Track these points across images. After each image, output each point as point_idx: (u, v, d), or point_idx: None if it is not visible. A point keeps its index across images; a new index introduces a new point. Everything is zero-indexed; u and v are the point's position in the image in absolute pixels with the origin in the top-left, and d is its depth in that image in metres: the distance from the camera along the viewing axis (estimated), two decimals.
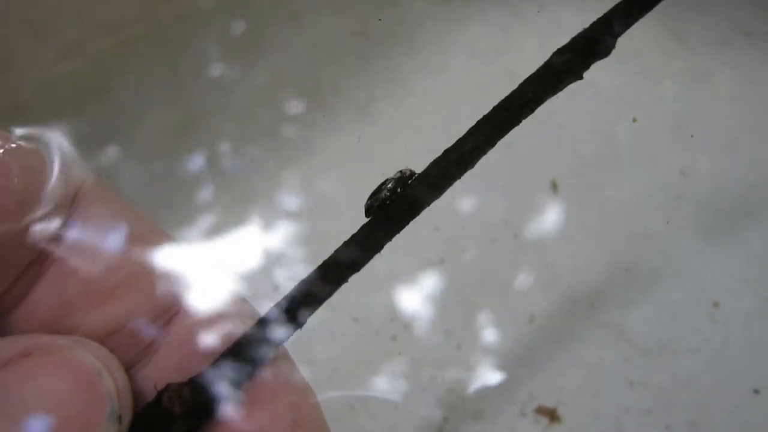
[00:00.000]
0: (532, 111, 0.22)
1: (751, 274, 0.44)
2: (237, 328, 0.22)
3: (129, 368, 0.21)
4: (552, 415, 0.41)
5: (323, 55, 0.51)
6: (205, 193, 0.45)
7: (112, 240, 0.21)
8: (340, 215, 0.44)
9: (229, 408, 0.21)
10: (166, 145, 0.46)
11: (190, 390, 0.20)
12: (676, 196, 0.47)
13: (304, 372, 0.23)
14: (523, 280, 0.45)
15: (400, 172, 0.23)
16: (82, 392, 0.18)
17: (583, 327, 0.43)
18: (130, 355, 0.21)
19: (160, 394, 0.20)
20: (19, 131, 0.22)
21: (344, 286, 0.22)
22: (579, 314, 0.43)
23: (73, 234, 0.21)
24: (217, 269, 0.24)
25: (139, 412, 0.20)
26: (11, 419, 0.17)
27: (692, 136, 0.48)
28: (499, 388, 0.41)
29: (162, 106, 0.47)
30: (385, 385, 0.41)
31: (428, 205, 0.22)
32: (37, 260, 0.20)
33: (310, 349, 0.41)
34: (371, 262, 0.22)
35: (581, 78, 0.22)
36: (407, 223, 0.22)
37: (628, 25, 0.22)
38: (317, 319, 0.22)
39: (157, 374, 0.21)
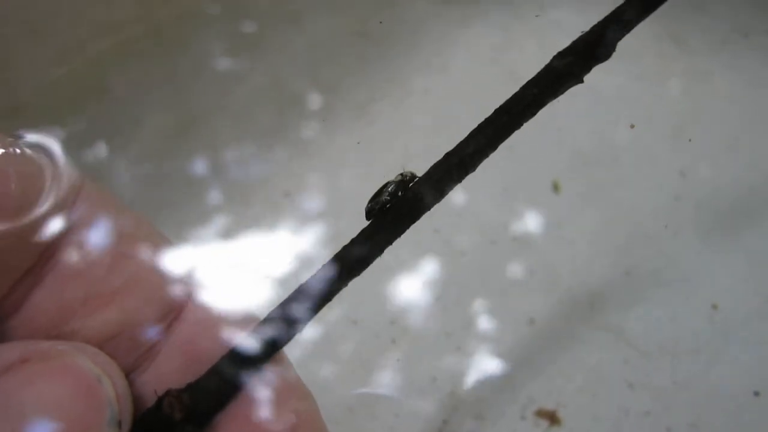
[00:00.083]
0: (533, 114, 0.22)
1: (752, 275, 0.44)
2: (236, 333, 0.22)
3: (129, 373, 0.21)
4: (552, 418, 0.41)
5: (323, 55, 0.51)
6: (205, 194, 0.45)
7: (111, 244, 0.21)
8: (340, 217, 0.44)
9: (229, 413, 0.21)
10: (165, 145, 0.46)
11: (191, 395, 0.20)
12: (675, 197, 0.47)
13: (304, 375, 0.23)
14: (523, 281, 0.45)
15: (401, 174, 0.23)
16: (81, 398, 0.17)
17: (583, 329, 0.43)
18: (130, 360, 0.21)
19: (160, 400, 0.20)
20: (16, 134, 0.22)
21: (344, 289, 0.22)
22: (579, 316, 0.43)
23: (72, 238, 0.21)
24: (216, 271, 0.24)
25: (139, 418, 0.20)
26: (11, 425, 0.17)
27: (690, 140, 0.48)
28: (498, 390, 0.41)
29: (161, 107, 0.47)
30: (384, 387, 0.41)
31: (429, 209, 0.22)
32: (36, 265, 0.20)
33: (309, 352, 0.41)
34: (371, 264, 0.22)
35: (582, 81, 0.22)
36: (408, 227, 0.22)
37: (628, 29, 0.22)
38: (316, 322, 0.22)
39: (157, 379, 0.21)
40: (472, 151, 0.22)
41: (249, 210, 0.45)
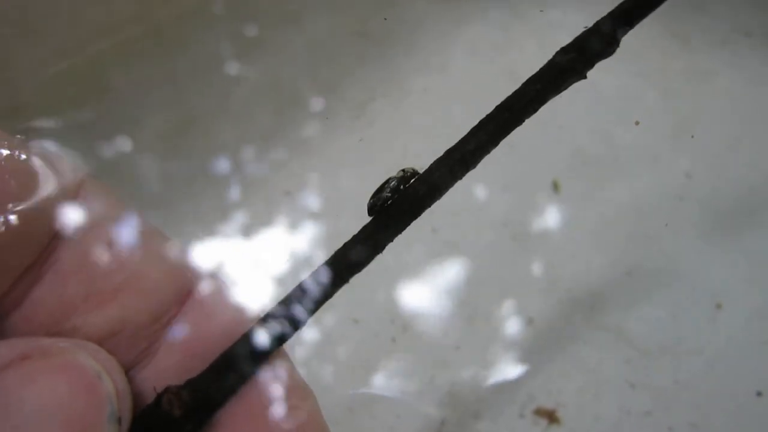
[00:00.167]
0: (535, 110, 0.22)
1: (753, 275, 0.44)
2: (236, 330, 0.21)
3: (128, 370, 0.21)
4: (551, 417, 0.40)
5: (323, 55, 0.51)
6: (205, 193, 0.45)
7: (111, 241, 0.21)
8: (340, 215, 0.44)
9: (228, 410, 0.21)
10: (165, 145, 0.46)
11: (190, 392, 0.20)
12: (676, 197, 0.46)
13: (304, 374, 0.23)
14: (523, 281, 0.44)
15: (403, 171, 0.23)
16: (81, 395, 0.17)
17: (584, 328, 0.43)
18: (130, 356, 0.21)
19: (159, 397, 0.20)
20: (17, 132, 0.22)
21: (344, 287, 0.22)
22: (579, 315, 0.43)
23: (72, 235, 0.21)
24: (216, 269, 0.24)
25: (138, 414, 0.20)
26: (11, 422, 0.17)
27: (693, 136, 0.48)
28: (498, 389, 0.41)
29: (161, 107, 0.47)
30: (384, 386, 0.41)
31: (430, 205, 0.22)
32: (37, 262, 0.20)
33: (310, 351, 0.41)
34: (371, 263, 0.22)
35: (585, 77, 0.22)
36: (409, 223, 0.22)
37: (632, 25, 0.22)
38: (317, 320, 0.22)
39: (157, 376, 0.21)
40: (474, 148, 0.22)
41: (249, 209, 0.45)
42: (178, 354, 0.21)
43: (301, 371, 0.23)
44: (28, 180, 0.20)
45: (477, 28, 0.52)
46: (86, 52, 0.45)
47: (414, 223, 0.22)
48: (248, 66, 0.49)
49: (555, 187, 0.46)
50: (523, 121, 0.22)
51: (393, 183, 0.22)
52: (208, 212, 0.45)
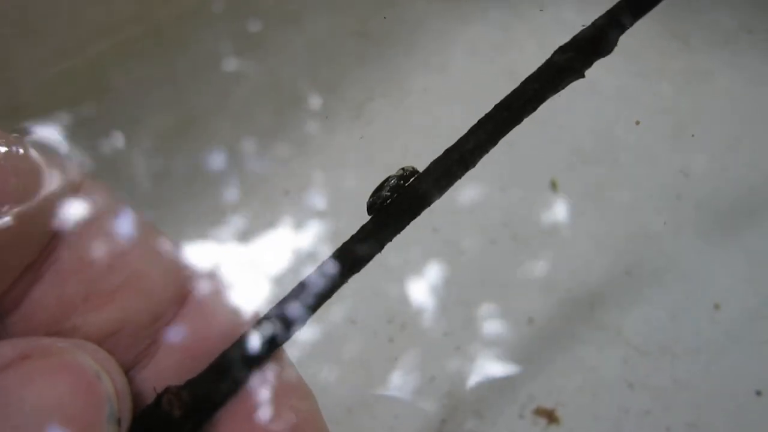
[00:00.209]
0: (534, 109, 0.22)
1: (752, 275, 0.44)
2: (236, 330, 0.22)
3: (128, 370, 0.21)
4: (550, 417, 0.40)
5: (323, 54, 0.51)
6: (205, 193, 0.45)
7: (111, 241, 0.21)
8: (340, 215, 0.44)
9: (228, 411, 0.21)
10: (165, 145, 0.46)
11: (190, 392, 0.20)
12: (676, 196, 0.46)
13: (303, 374, 0.23)
14: (522, 280, 0.44)
15: (402, 169, 0.23)
16: (81, 395, 0.17)
17: (583, 328, 0.43)
18: (130, 356, 0.21)
19: (159, 397, 0.20)
20: (18, 130, 0.22)
21: (343, 287, 0.22)
22: (578, 315, 0.43)
23: (72, 234, 0.21)
24: (216, 269, 0.24)
25: (138, 415, 0.20)
26: (11, 422, 0.17)
27: (693, 135, 0.48)
28: (497, 389, 0.41)
29: (161, 107, 0.47)
30: (383, 386, 0.41)
31: (430, 204, 0.22)
32: (36, 261, 0.20)
33: (309, 351, 0.41)
34: (369, 262, 0.22)
35: (583, 76, 0.22)
36: (409, 222, 0.22)
37: (630, 23, 0.22)
38: (315, 320, 0.22)
39: (157, 376, 0.21)
40: (473, 147, 0.22)
41: (249, 208, 0.45)
42: (178, 354, 0.21)
43: (301, 371, 0.23)
44: (27, 179, 0.20)
45: (477, 27, 0.52)
46: (86, 52, 0.45)
47: (413, 223, 0.22)
48: (248, 65, 0.49)
49: (554, 186, 0.46)
50: (522, 120, 0.22)
51: (393, 182, 0.22)
52: (207, 212, 0.45)
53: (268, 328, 0.21)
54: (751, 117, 0.49)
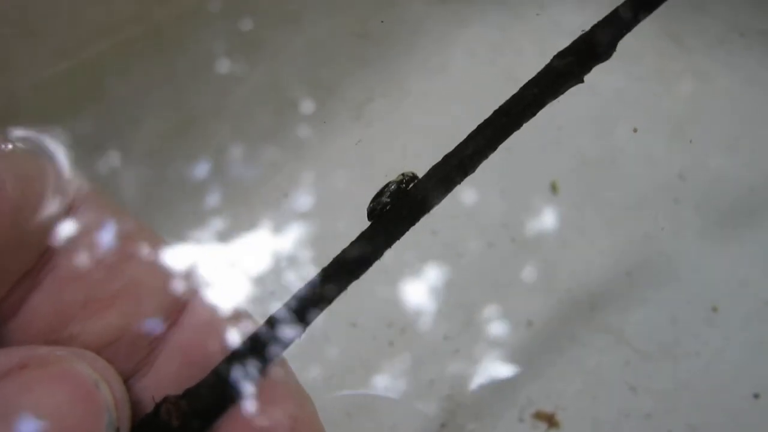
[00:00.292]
0: (533, 114, 0.22)
1: (752, 277, 0.44)
2: (235, 337, 0.21)
3: (127, 378, 0.21)
4: (550, 420, 0.40)
5: (322, 55, 0.51)
6: (203, 195, 0.45)
7: (110, 247, 0.21)
8: (339, 217, 0.44)
9: (227, 419, 0.20)
10: (164, 146, 0.46)
11: (188, 402, 0.20)
12: (675, 198, 0.46)
13: (302, 379, 0.23)
14: (521, 283, 0.44)
15: (402, 175, 0.23)
16: (79, 404, 0.17)
17: (583, 330, 0.43)
18: (128, 365, 0.21)
19: (158, 406, 0.20)
20: (15, 135, 0.22)
21: (342, 292, 0.22)
22: (578, 318, 0.43)
23: (71, 241, 0.20)
24: (218, 275, 0.23)
25: (137, 424, 0.20)
26: (9, 431, 0.16)
27: (691, 140, 0.48)
28: (497, 392, 0.41)
29: (161, 107, 0.47)
30: (382, 390, 0.41)
31: (430, 210, 0.22)
32: (34, 268, 0.20)
33: (308, 356, 0.41)
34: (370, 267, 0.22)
35: (582, 81, 0.22)
36: (408, 228, 0.22)
37: (629, 28, 0.22)
38: (314, 324, 0.22)
39: (156, 384, 0.21)
40: (472, 153, 0.22)
41: (247, 211, 0.45)
42: (177, 362, 0.21)
43: (298, 375, 0.23)
44: (24, 184, 0.19)
45: (476, 29, 0.52)
46: (85, 53, 0.45)
47: (414, 226, 0.22)
48: (247, 66, 0.49)
49: (553, 188, 0.46)
50: (521, 125, 0.22)
51: (393, 187, 0.22)
52: (205, 215, 0.45)
53: (267, 336, 0.21)
54: (750, 117, 0.49)
